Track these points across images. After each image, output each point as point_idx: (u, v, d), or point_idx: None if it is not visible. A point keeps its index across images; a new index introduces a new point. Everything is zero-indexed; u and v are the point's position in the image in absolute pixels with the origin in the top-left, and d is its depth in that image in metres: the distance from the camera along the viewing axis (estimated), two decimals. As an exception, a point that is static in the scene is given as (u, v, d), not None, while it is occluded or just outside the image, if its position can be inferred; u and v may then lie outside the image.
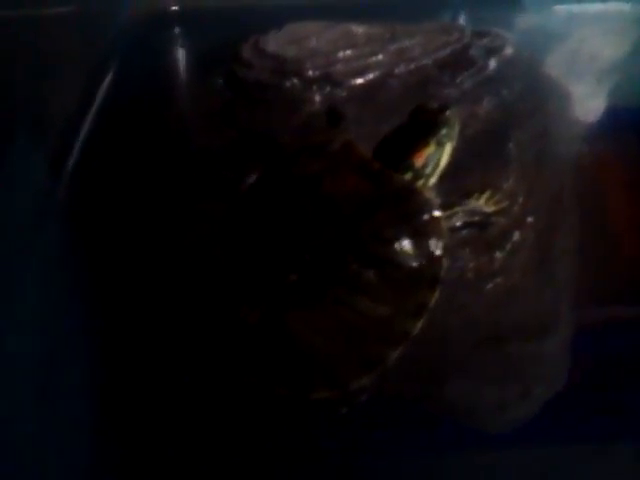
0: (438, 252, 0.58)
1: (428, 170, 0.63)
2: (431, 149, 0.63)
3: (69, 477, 0.59)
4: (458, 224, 0.67)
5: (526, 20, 1.01)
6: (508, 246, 0.69)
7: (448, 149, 0.64)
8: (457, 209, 0.66)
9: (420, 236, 0.58)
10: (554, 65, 0.89)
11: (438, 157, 0.64)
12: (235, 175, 0.73)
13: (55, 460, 0.59)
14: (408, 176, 0.62)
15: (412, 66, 0.85)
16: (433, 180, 0.65)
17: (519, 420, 0.62)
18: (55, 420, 0.61)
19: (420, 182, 0.63)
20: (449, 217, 0.65)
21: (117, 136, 0.83)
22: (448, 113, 0.64)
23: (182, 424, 0.61)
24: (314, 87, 0.83)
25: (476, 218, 0.69)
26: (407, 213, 0.59)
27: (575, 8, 1.04)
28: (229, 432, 0.61)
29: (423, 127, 0.63)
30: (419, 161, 0.62)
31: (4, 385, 0.62)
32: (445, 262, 0.59)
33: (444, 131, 0.63)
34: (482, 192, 0.70)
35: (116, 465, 0.60)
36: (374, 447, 0.61)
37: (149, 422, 0.61)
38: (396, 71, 0.85)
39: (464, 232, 0.68)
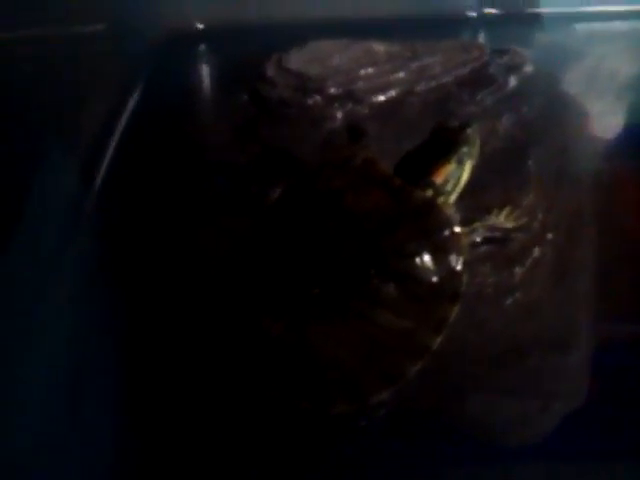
0: (458, 267, 0.59)
1: (449, 187, 0.64)
2: (452, 167, 0.64)
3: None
4: (478, 240, 0.67)
5: (545, 38, 1.01)
6: (528, 262, 0.70)
7: (468, 167, 0.65)
8: (477, 225, 0.67)
9: (441, 252, 0.59)
10: (573, 82, 0.89)
11: (459, 175, 0.65)
12: (258, 190, 0.74)
13: (78, 461, 0.60)
14: (429, 193, 0.63)
15: (433, 84, 0.86)
16: (453, 197, 0.65)
17: (538, 435, 0.61)
18: (80, 424, 0.62)
19: (441, 199, 0.64)
20: (469, 233, 0.65)
21: (144, 151, 0.84)
22: (469, 131, 0.65)
23: (203, 434, 0.62)
24: (336, 104, 0.84)
25: (496, 234, 0.69)
26: (428, 229, 0.60)
27: (595, 26, 1.04)
28: (248, 442, 0.61)
29: (444, 145, 0.64)
30: (440, 179, 0.63)
31: (35, 388, 0.63)
32: (465, 277, 0.60)
33: (465, 149, 0.64)
34: (502, 208, 0.70)
35: (136, 468, 0.61)
36: (392, 460, 0.61)
37: (170, 431, 0.62)
38: (417, 89, 0.86)
39: (484, 248, 0.69)
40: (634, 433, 0.62)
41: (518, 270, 0.69)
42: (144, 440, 0.62)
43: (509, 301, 0.67)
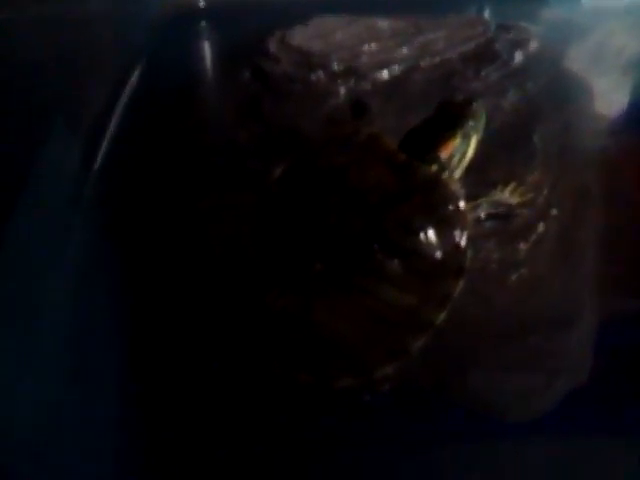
0: (463, 243, 0.59)
1: (454, 162, 0.64)
2: (458, 141, 0.64)
3: (97, 458, 0.60)
4: (483, 215, 0.67)
5: (551, 14, 1.00)
6: (532, 238, 0.70)
7: (474, 142, 0.65)
8: (482, 201, 0.67)
9: (445, 227, 0.59)
10: (579, 59, 0.88)
11: (464, 150, 0.64)
12: (262, 167, 0.74)
13: (83, 443, 0.60)
14: (434, 168, 0.63)
15: (437, 60, 0.86)
16: (459, 172, 0.65)
17: (541, 411, 0.62)
18: (85, 403, 0.63)
19: (446, 174, 0.63)
20: (474, 208, 0.66)
21: (146, 129, 0.84)
22: (475, 106, 0.65)
23: (209, 408, 0.62)
24: (339, 80, 0.83)
25: (501, 210, 0.69)
26: (432, 204, 0.59)
27: (601, 2, 1.03)
28: (254, 417, 0.62)
29: (450, 120, 0.64)
30: (445, 153, 0.63)
31: (37, 368, 0.63)
32: (469, 253, 0.60)
33: (470, 124, 0.64)
34: (507, 184, 0.70)
35: (143, 447, 0.61)
36: (395, 435, 0.61)
37: (177, 406, 0.62)
38: (421, 64, 0.85)
39: (489, 223, 0.69)
40: (636, 409, 0.62)
41: (522, 246, 0.69)
42: (148, 417, 0.63)
43: (513, 277, 0.67)
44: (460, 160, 0.65)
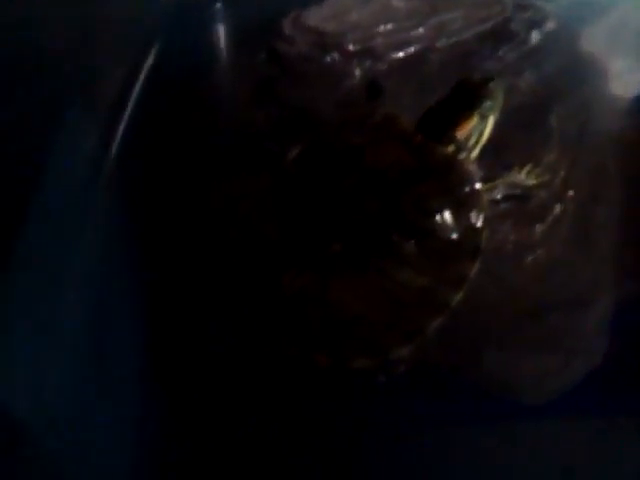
0: (479, 224, 0.59)
1: (471, 143, 0.64)
2: (474, 121, 0.63)
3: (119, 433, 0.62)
4: (499, 197, 0.67)
5: (569, -7, 0.99)
6: (549, 219, 0.69)
7: (491, 122, 0.65)
8: (498, 182, 0.67)
9: (461, 208, 0.59)
10: (597, 39, 0.87)
11: (481, 130, 0.64)
12: (278, 148, 0.74)
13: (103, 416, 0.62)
14: (451, 149, 0.62)
15: (453, 40, 0.85)
16: (475, 153, 0.65)
17: (557, 391, 0.62)
18: (102, 384, 0.64)
19: (463, 155, 0.63)
20: (490, 190, 0.65)
21: (162, 112, 0.84)
22: (492, 85, 0.64)
23: (227, 387, 0.63)
24: (354, 61, 0.83)
25: (517, 191, 0.69)
26: (449, 185, 0.59)
27: (620, -20, 1.02)
28: (269, 397, 0.62)
29: (467, 99, 0.64)
30: (462, 133, 0.63)
31: (57, 353, 0.64)
32: (485, 234, 0.60)
33: (488, 104, 0.64)
34: (523, 165, 0.70)
35: (162, 422, 0.62)
36: (411, 416, 0.62)
37: (193, 385, 0.63)
38: (437, 45, 0.84)
39: (505, 205, 0.69)
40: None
41: (539, 228, 0.69)
42: (167, 398, 0.64)
43: (529, 258, 0.67)
44: (477, 140, 0.64)
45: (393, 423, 0.62)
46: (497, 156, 0.69)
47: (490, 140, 0.66)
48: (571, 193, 0.71)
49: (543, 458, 0.61)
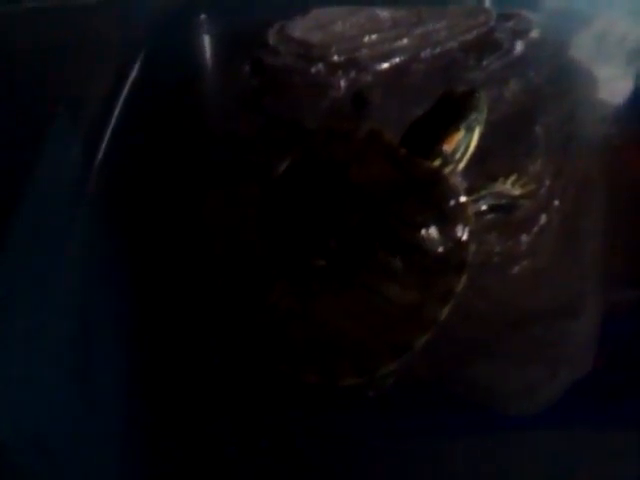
0: (465, 237, 0.59)
1: (458, 155, 0.64)
2: (461, 134, 0.63)
3: (102, 452, 0.61)
4: (484, 208, 0.67)
5: (552, 2, 0.99)
6: (535, 229, 0.69)
7: (477, 133, 0.65)
8: (483, 193, 0.67)
9: (447, 222, 0.58)
10: (581, 47, 0.87)
11: (468, 142, 0.64)
12: (263, 160, 0.74)
13: (87, 441, 0.61)
14: (438, 162, 0.62)
15: (438, 50, 0.85)
16: (462, 165, 0.65)
17: (545, 402, 0.62)
18: (87, 399, 0.63)
19: (450, 167, 0.63)
20: (475, 201, 0.65)
21: (147, 122, 0.84)
22: (477, 97, 0.64)
23: (210, 405, 0.62)
24: (340, 72, 0.83)
25: (503, 201, 0.69)
26: (434, 199, 0.59)
27: (603, -12, 1.02)
28: (256, 415, 0.62)
29: (452, 112, 0.63)
30: (450, 146, 0.63)
31: (40, 367, 0.64)
32: (472, 247, 0.59)
33: (473, 115, 0.63)
34: (508, 176, 0.70)
35: (147, 443, 0.62)
36: (399, 428, 0.62)
37: (179, 402, 0.63)
38: (422, 55, 0.84)
39: (491, 216, 0.69)
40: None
41: (524, 238, 0.69)
42: (152, 413, 0.63)
43: (516, 269, 0.67)
44: (464, 152, 0.64)
45: (382, 436, 0.62)
46: (482, 166, 0.69)
47: (475, 151, 0.66)
48: (556, 203, 0.71)
49: (532, 469, 0.60)
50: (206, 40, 0.96)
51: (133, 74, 0.89)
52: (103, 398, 0.63)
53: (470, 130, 0.64)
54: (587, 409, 0.62)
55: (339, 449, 0.61)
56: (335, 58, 0.83)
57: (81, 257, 0.72)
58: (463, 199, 0.60)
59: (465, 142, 0.64)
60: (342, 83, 0.82)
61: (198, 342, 0.65)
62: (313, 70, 0.83)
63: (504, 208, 0.69)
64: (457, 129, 0.63)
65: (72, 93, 0.83)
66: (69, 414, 0.62)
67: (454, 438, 0.62)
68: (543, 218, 0.70)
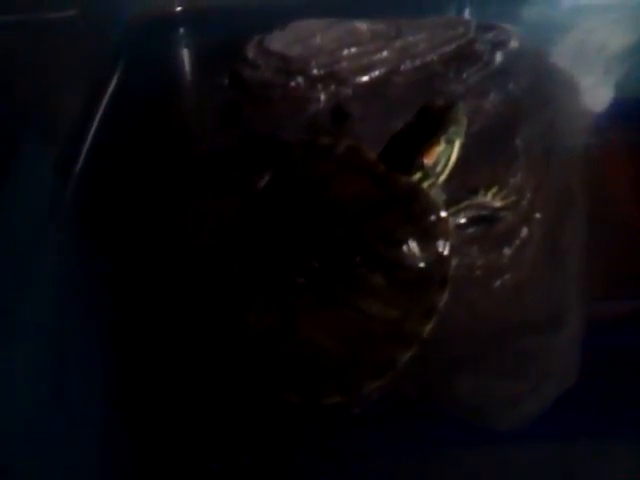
0: (446, 252, 0.58)
1: (439, 168, 0.63)
2: (441, 147, 0.63)
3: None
4: (464, 220, 0.67)
5: (531, 13, 0.99)
6: (516, 242, 0.69)
7: (457, 146, 0.64)
8: (464, 205, 0.66)
9: (427, 237, 0.58)
10: (561, 57, 0.88)
11: (448, 155, 0.64)
12: (242, 175, 0.73)
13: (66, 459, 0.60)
14: (418, 175, 0.62)
15: (417, 62, 0.85)
16: (443, 177, 0.64)
17: (530, 416, 0.62)
18: (67, 422, 0.62)
19: (430, 181, 0.63)
20: (456, 213, 0.65)
21: (123, 138, 0.83)
22: (456, 110, 0.64)
23: (190, 429, 0.62)
24: (319, 86, 0.82)
25: (484, 212, 0.68)
26: (414, 215, 0.59)
27: (581, 0, 1.03)
28: (239, 436, 0.61)
29: (432, 126, 0.63)
30: (430, 160, 0.62)
31: (17, 381, 0.63)
32: (453, 262, 0.59)
33: (453, 128, 0.63)
34: (489, 187, 0.70)
35: (127, 463, 0.61)
36: (383, 445, 0.61)
37: (158, 427, 0.62)
38: (401, 68, 0.84)
39: (471, 229, 0.68)
40: (625, 411, 0.62)
41: (506, 251, 0.69)
42: (130, 433, 0.62)
43: (498, 283, 0.67)
44: (445, 165, 0.64)
45: (366, 453, 0.61)
46: (462, 179, 0.68)
47: (456, 163, 0.65)
48: (538, 215, 0.71)
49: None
50: (185, 54, 0.95)
51: (111, 88, 0.88)
52: (79, 418, 0.62)
53: (450, 143, 0.63)
54: (571, 421, 0.62)
55: (323, 465, 0.60)
56: (314, 71, 0.83)
57: (54, 271, 0.72)
58: (443, 214, 0.59)
59: (445, 155, 0.64)
60: (322, 96, 0.82)
61: (177, 360, 0.64)
62: (292, 84, 0.83)
63: (485, 220, 0.69)
64: (437, 142, 0.63)
65: (48, 106, 0.82)
66: (43, 433, 0.61)
67: (439, 452, 0.62)
68: (524, 231, 0.70)
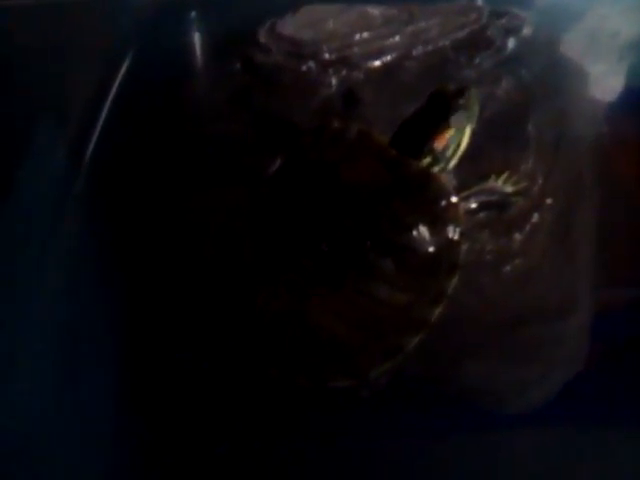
0: (456, 238, 0.58)
1: (449, 153, 0.63)
2: (452, 132, 0.62)
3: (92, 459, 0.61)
4: (475, 206, 0.66)
5: (544, -1, 0.99)
6: (527, 227, 0.69)
7: (468, 131, 0.64)
8: (475, 190, 0.66)
9: (438, 223, 0.58)
10: (573, 44, 0.87)
11: (458, 140, 0.63)
12: (254, 160, 0.73)
13: (76, 445, 0.61)
14: (428, 160, 0.62)
15: (429, 48, 0.84)
16: (453, 163, 0.64)
17: (539, 401, 0.62)
18: (74, 404, 0.63)
19: (440, 166, 0.63)
20: (466, 199, 0.65)
21: (135, 122, 0.83)
22: (467, 95, 0.64)
23: (199, 411, 0.62)
24: (331, 70, 0.82)
25: (494, 197, 0.68)
26: (424, 200, 0.59)
27: (595, -15, 1.02)
28: (247, 419, 0.62)
29: (443, 110, 0.63)
30: (440, 145, 0.62)
31: (27, 369, 0.63)
32: (463, 247, 0.59)
33: (464, 114, 0.63)
34: (500, 173, 0.69)
35: (138, 447, 0.62)
36: (392, 428, 0.62)
37: (167, 409, 0.63)
38: (413, 53, 0.84)
39: (482, 214, 0.68)
40: (632, 399, 0.62)
41: (517, 236, 0.68)
42: (142, 418, 0.63)
43: (508, 268, 0.67)
44: (455, 151, 0.64)
45: (375, 435, 0.62)
46: (474, 165, 0.68)
47: (467, 149, 0.65)
48: (549, 201, 0.71)
49: (525, 467, 0.60)
50: (196, 38, 0.95)
51: (122, 72, 0.88)
52: (90, 402, 0.63)
53: (460, 128, 0.63)
54: (578, 408, 0.62)
55: (332, 448, 0.61)
56: (326, 56, 0.83)
57: (67, 258, 0.72)
58: (454, 199, 0.59)
59: (456, 140, 0.63)
60: (333, 81, 0.81)
61: (187, 345, 0.65)
62: (304, 68, 0.82)
63: (496, 206, 0.69)
64: (447, 127, 0.62)
65: (60, 91, 0.82)
66: (55, 420, 0.61)
67: (446, 437, 0.62)
68: (535, 216, 0.70)
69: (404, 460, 0.61)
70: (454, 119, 0.63)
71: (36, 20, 0.79)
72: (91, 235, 0.75)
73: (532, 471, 0.60)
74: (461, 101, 0.63)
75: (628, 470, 0.60)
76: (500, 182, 0.69)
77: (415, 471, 0.61)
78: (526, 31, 0.86)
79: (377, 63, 0.83)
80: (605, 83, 0.85)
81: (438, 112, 0.63)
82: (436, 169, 0.62)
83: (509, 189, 0.69)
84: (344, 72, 0.82)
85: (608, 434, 0.61)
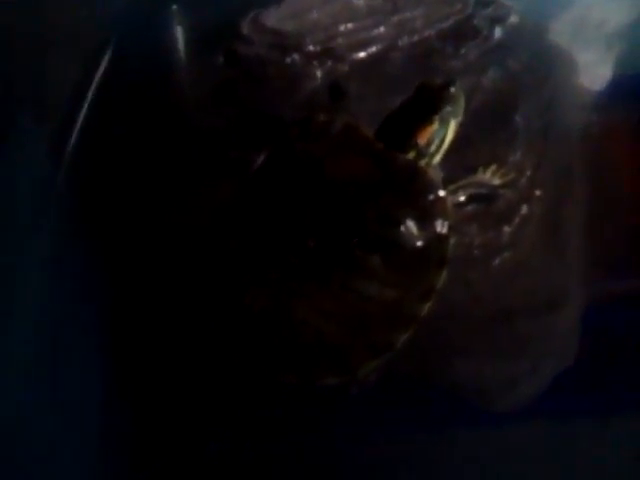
0: (444, 232, 0.58)
1: (432, 149, 0.62)
2: (435, 127, 0.62)
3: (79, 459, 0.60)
4: (463, 199, 0.66)
5: (531, -14, 0.98)
6: (516, 220, 0.69)
7: (453, 126, 0.63)
8: (462, 183, 0.66)
9: (426, 217, 0.57)
10: (561, 32, 0.86)
11: (443, 135, 0.63)
12: (238, 154, 0.72)
13: (63, 444, 0.60)
14: (412, 155, 0.61)
15: (415, 38, 0.83)
16: (438, 158, 0.63)
17: (529, 396, 0.62)
18: (59, 406, 0.62)
19: (424, 160, 0.62)
20: (454, 192, 0.64)
21: (117, 117, 0.82)
22: (452, 89, 0.63)
23: (188, 410, 0.62)
24: (315, 62, 0.81)
25: (483, 190, 0.68)
26: (411, 194, 0.58)
27: (580, -26, 1.01)
28: (236, 417, 0.62)
29: (426, 105, 0.62)
30: (423, 140, 0.61)
31: (9, 369, 0.62)
32: (451, 242, 0.59)
33: (448, 108, 0.62)
34: (488, 165, 0.69)
35: (126, 445, 0.61)
36: (381, 425, 0.62)
37: (156, 407, 0.62)
38: (399, 43, 0.83)
39: (470, 207, 0.68)
40: (623, 391, 0.62)
41: (506, 229, 0.68)
42: (131, 411, 0.63)
43: (497, 261, 0.67)
44: (439, 146, 0.63)
45: (364, 432, 0.62)
46: (461, 157, 0.68)
47: (454, 141, 0.64)
48: (538, 193, 0.71)
49: (514, 462, 0.60)
50: (178, 30, 0.93)
51: (103, 66, 0.87)
52: (77, 401, 0.62)
53: (445, 123, 0.62)
54: (569, 402, 0.62)
55: (321, 447, 0.60)
56: (310, 48, 0.81)
57: (49, 258, 0.71)
58: (442, 193, 0.59)
59: (440, 135, 0.62)
60: (318, 73, 0.80)
61: (175, 343, 0.64)
62: (288, 60, 0.81)
63: (484, 198, 0.68)
64: (430, 122, 0.61)
65: (39, 86, 0.80)
66: (40, 419, 0.61)
67: (437, 433, 0.62)
68: (524, 208, 0.69)
69: (395, 456, 0.61)
70: (437, 114, 0.62)
71: (13, 12, 0.78)
72: (74, 233, 0.74)
73: (522, 466, 0.60)
74: (446, 95, 0.62)
75: (619, 463, 0.60)
76: (488, 174, 0.68)
77: (406, 467, 0.61)
78: (512, 20, 0.85)
79: (362, 54, 0.82)
80: (594, 72, 0.85)
81: (423, 106, 0.62)
82: (422, 163, 0.62)
83: (497, 181, 0.69)
84: (329, 64, 0.81)
85: (599, 427, 0.61)
